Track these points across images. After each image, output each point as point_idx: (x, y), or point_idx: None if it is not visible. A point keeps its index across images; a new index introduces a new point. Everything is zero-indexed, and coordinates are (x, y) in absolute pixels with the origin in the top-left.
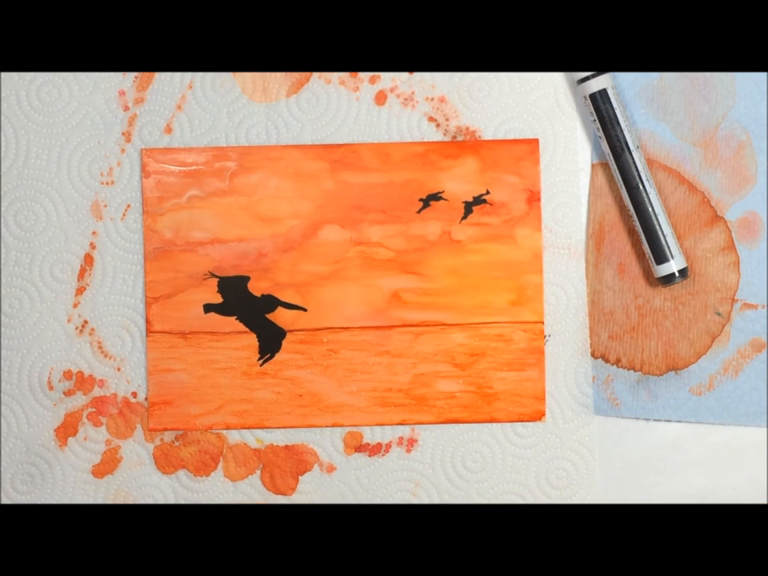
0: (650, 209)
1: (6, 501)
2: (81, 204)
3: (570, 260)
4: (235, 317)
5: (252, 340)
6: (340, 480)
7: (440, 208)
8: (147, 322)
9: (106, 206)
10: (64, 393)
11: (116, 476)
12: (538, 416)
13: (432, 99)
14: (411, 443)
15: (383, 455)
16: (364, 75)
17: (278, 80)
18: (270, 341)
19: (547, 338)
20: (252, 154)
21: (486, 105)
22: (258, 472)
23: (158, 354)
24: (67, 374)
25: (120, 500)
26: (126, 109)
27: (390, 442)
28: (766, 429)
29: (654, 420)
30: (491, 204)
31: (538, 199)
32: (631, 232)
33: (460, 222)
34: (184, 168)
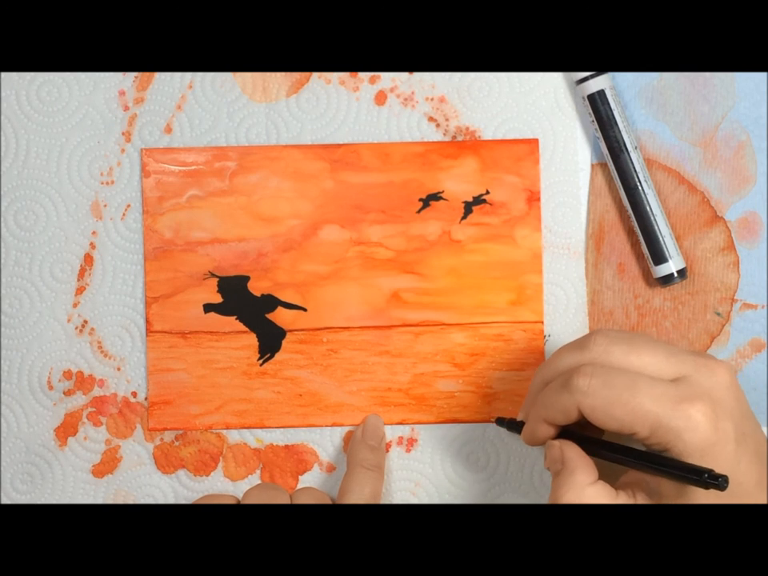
0: (649, 209)
1: (5, 501)
2: (81, 204)
3: (569, 260)
4: (235, 317)
5: (252, 340)
6: (340, 480)
7: (440, 208)
8: (147, 321)
9: (106, 205)
10: (64, 393)
11: (116, 476)
12: None
13: (432, 99)
14: (411, 443)
15: None
16: (364, 75)
17: (277, 80)
18: (270, 341)
19: (547, 337)
20: (252, 153)
21: (486, 105)
22: (258, 472)
23: (157, 354)
24: (67, 374)
25: (120, 500)
26: (126, 109)
27: (390, 441)
28: (765, 429)
29: None
30: (491, 204)
31: (538, 199)
32: (631, 232)
33: (460, 222)
34: (184, 168)
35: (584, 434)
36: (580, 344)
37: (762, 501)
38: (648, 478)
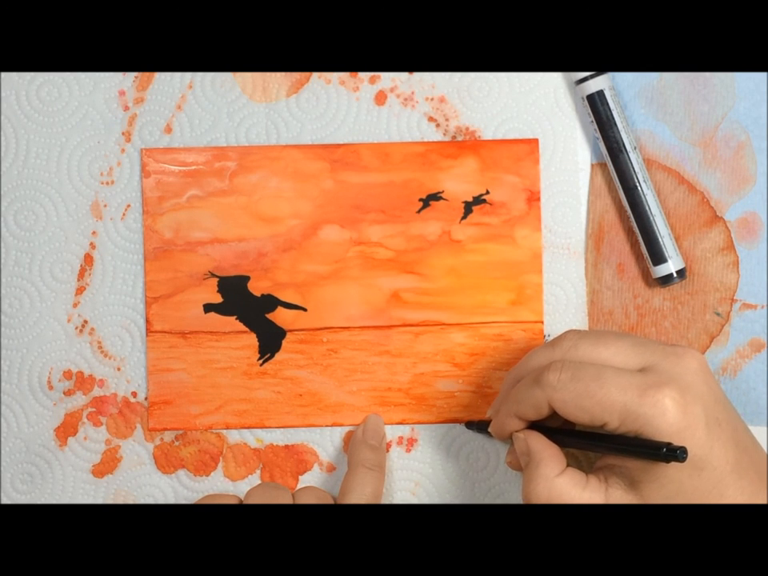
0: (648, 210)
1: (6, 501)
2: (81, 204)
3: (569, 260)
4: (235, 317)
5: (252, 340)
6: (340, 480)
7: (440, 208)
8: (147, 321)
9: (106, 205)
10: (64, 393)
11: (116, 476)
12: None
13: (432, 99)
14: (411, 443)
15: None
16: (364, 75)
17: (278, 80)
18: (270, 340)
19: (547, 337)
20: (252, 153)
21: (486, 105)
22: (258, 472)
23: (157, 354)
24: (67, 374)
25: (120, 500)
26: (126, 109)
27: (390, 441)
28: (765, 429)
29: None
30: (491, 204)
31: (538, 199)
32: (630, 232)
33: (460, 222)
34: (184, 168)
35: (548, 425)
36: (552, 343)
37: (737, 487)
38: (617, 461)
